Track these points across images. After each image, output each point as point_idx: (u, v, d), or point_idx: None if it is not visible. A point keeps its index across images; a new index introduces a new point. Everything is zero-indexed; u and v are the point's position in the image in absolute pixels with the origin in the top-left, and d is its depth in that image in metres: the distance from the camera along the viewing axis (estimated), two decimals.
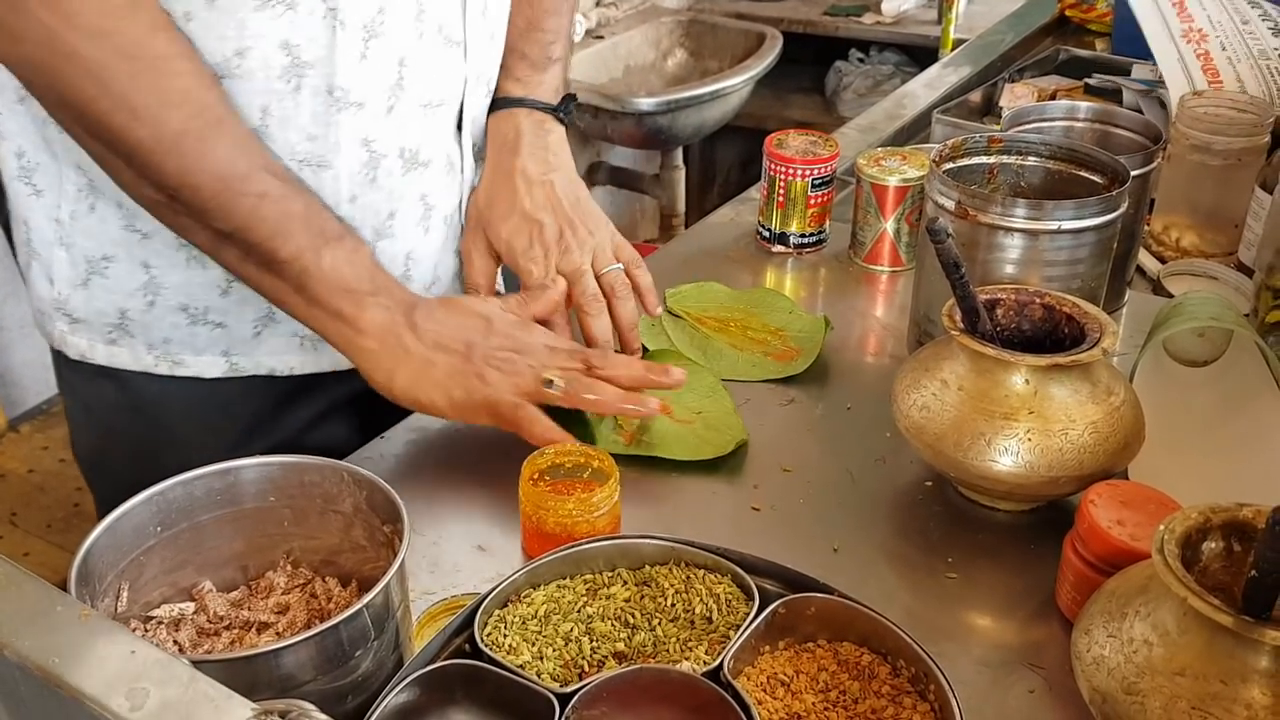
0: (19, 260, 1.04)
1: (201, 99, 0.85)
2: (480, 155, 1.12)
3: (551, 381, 0.93)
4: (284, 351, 1.04)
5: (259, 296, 0.96)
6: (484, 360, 0.94)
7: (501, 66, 1.12)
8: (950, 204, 1.01)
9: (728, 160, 3.71)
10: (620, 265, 1.10)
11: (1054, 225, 0.98)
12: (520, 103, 1.12)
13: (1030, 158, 1.10)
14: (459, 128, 1.07)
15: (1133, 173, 1.04)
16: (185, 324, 1.00)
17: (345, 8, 0.90)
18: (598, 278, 1.07)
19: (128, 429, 1.06)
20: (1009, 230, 0.99)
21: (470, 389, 0.93)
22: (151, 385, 1.03)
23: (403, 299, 0.95)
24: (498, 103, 1.12)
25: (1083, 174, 1.07)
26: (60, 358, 1.05)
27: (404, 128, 0.99)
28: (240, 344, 1.02)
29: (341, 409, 1.09)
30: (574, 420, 1.02)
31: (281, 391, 1.05)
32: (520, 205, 1.08)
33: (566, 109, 1.15)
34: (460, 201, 1.10)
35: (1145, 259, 1.33)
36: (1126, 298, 1.23)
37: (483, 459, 1.02)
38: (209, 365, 1.03)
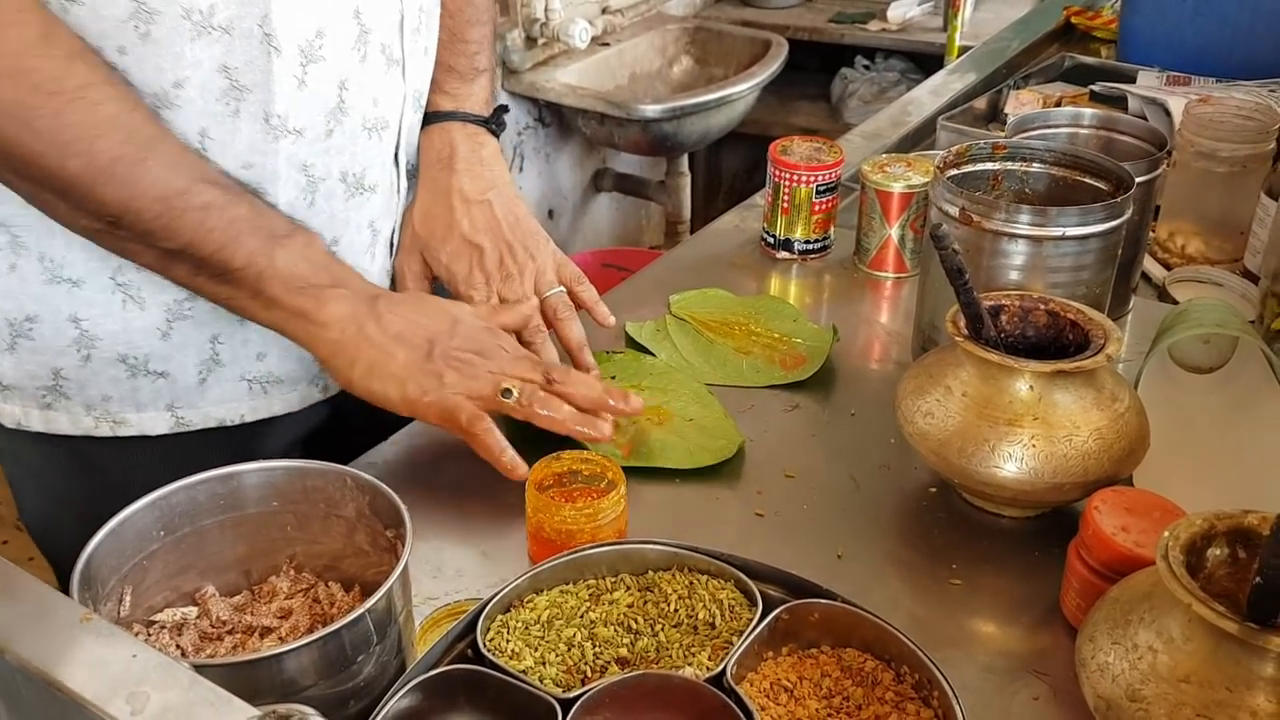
0: None
1: (129, 122, 0.82)
2: (413, 173, 1.10)
3: (509, 391, 0.91)
4: (231, 399, 0.99)
5: (201, 341, 0.94)
6: (444, 359, 0.91)
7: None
8: (954, 210, 1.01)
9: (733, 167, 3.71)
10: (561, 288, 1.08)
11: (1058, 231, 0.97)
12: (452, 116, 1.10)
13: (1035, 164, 1.09)
14: (397, 148, 1.04)
15: (1138, 179, 1.04)
16: (125, 377, 0.95)
17: (280, 34, 0.87)
18: (541, 301, 1.07)
19: (77, 493, 1.00)
20: (1013, 236, 0.98)
21: (426, 387, 0.90)
22: (95, 448, 0.97)
23: (363, 289, 0.92)
24: (429, 118, 1.10)
25: (1087, 180, 1.07)
26: None
27: (344, 151, 0.96)
28: (185, 394, 0.97)
29: (298, 451, 1.06)
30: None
31: (237, 442, 1.00)
32: (459, 228, 1.06)
33: (498, 120, 1.13)
34: (396, 223, 1.08)
35: (1151, 265, 1.33)
36: (1132, 304, 1.23)
37: (487, 464, 1.02)
38: (153, 422, 0.97)
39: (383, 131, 1.00)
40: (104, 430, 0.97)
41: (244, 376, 0.98)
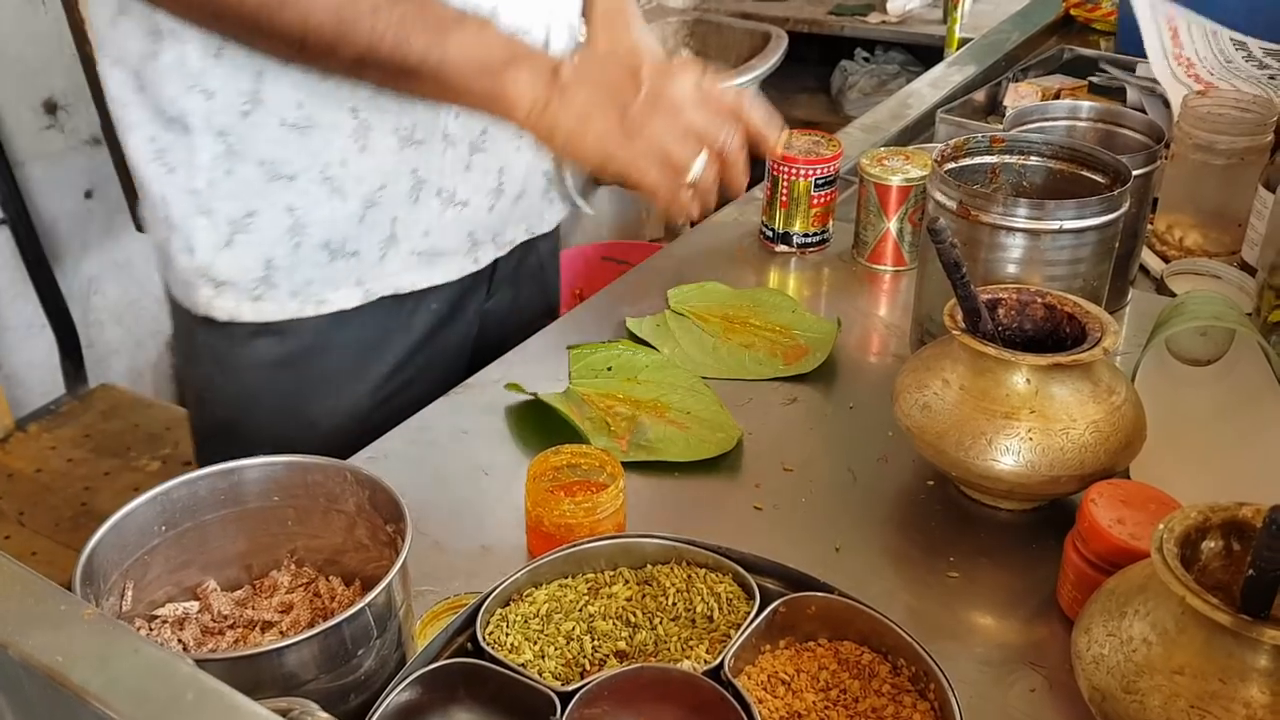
0: (156, 239, 1.09)
1: None
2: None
3: (695, 165, 0.95)
4: (404, 271, 1.11)
5: (384, 222, 1.06)
6: (634, 125, 0.94)
7: None
8: (952, 204, 1.01)
9: None
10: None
11: (1055, 225, 0.98)
12: None
13: (1032, 157, 1.10)
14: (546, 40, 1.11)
15: (1135, 172, 1.04)
16: (325, 261, 1.06)
17: None
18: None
19: (272, 385, 1.12)
20: (1010, 230, 0.99)
21: (622, 156, 0.95)
22: (295, 333, 1.09)
23: (544, 64, 0.95)
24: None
25: (1085, 174, 1.07)
26: (194, 333, 1.11)
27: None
28: (369, 269, 1.09)
29: (456, 315, 1.20)
30: (568, 429, 1.02)
31: (408, 309, 1.14)
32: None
33: None
34: None
35: (1148, 258, 1.33)
36: (1129, 297, 1.23)
37: (487, 458, 1.02)
38: (347, 297, 1.09)
39: (527, 36, 1.06)
40: (308, 311, 1.08)
41: (413, 250, 1.10)
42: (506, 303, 1.27)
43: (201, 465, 1.15)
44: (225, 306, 1.07)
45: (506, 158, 1.12)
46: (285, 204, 1.03)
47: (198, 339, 1.12)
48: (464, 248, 1.15)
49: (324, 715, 0.53)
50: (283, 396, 1.12)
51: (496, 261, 1.21)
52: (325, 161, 1.02)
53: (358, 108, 1.01)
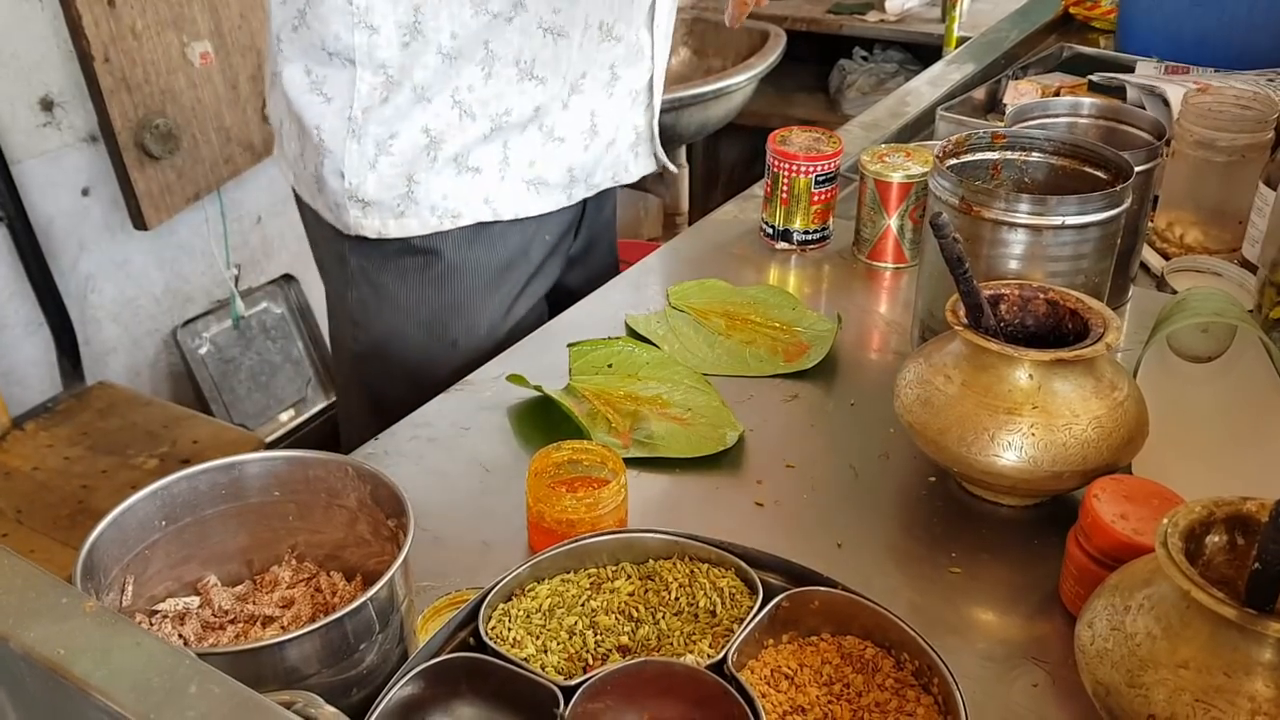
0: (306, 169, 1.23)
1: None
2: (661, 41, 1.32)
3: None
4: (518, 195, 1.25)
5: (498, 145, 1.21)
6: None
7: None
8: (954, 199, 1.01)
9: (731, 159, 3.70)
10: None
11: (1058, 221, 0.97)
12: None
13: (1034, 153, 1.10)
14: (651, 19, 1.27)
15: (1136, 169, 1.04)
16: (453, 176, 1.20)
17: None
18: None
19: (420, 303, 1.26)
20: (1013, 225, 0.98)
21: None
22: (438, 248, 1.24)
23: None
24: None
25: (1086, 170, 1.07)
26: (346, 260, 1.25)
27: (606, 5, 1.21)
28: (492, 189, 1.23)
29: (558, 251, 1.35)
30: (569, 425, 1.02)
31: (527, 236, 1.28)
32: None
33: None
34: (649, 82, 1.31)
35: (1149, 255, 1.33)
36: (1130, 294, 1.23)
37: (488, 454, 1.02)
38: (478, 212, 1.23)
39: None
40: (446, 224, 1.22)
41: (523, 178, 1.25)
42: (582, 251, 1.42)
43: (349, 396, 1.38)
44: (373, 225, 1.21)
45: (598, 103, 1.26)
46: (422, 124, 1.17)
47: (350, 264, 1.26)
48: (562, 182, 1.28)
49: (328, 708, 0.53)
50: (431, 313, 1.27)
51: (585, 206, 1.36)
52: (456, 85, 1.16)
53: (489, 40, 1.15)
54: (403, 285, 1.26)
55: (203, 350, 2.30)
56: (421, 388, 1.14)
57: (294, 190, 1.33)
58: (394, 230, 1.22)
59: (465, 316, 1.28)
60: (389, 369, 1.30)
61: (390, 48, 1.14)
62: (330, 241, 1.27)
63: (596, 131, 1.28)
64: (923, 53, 3.18)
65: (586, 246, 1.43)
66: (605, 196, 1.42)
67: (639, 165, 1.36)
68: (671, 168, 1.41)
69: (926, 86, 1.88)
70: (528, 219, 1.27)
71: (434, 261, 1.25)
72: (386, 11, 1.13)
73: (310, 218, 1.31)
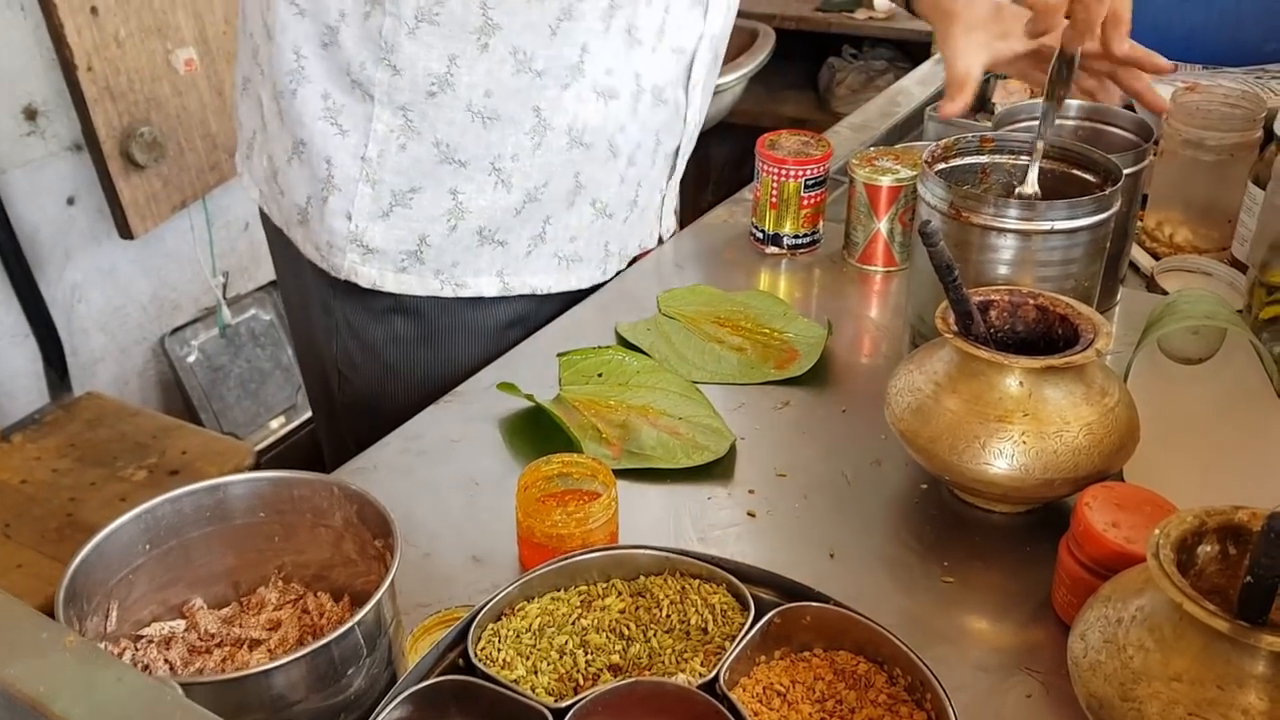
0: (309, 197, 1.13)
1: None
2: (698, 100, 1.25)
3: None
4: (545, 271, 1.19)
5: (538, 220, 1.14)
6: None
7: None
8: (943, 205, 1.00)
9: (721, 158, 3.70)
10: None
11: (1047, 226, 0.97)
12: None
13: (1023, 157, 1.09)
14: (688, 77, 1.20)
15: (1125, 171, 1.03)
16: (475, 246, 1.14)
17: None
18: None
19: (408, 362, 1.20)
20: (1002, 231, 0.98)
21: None
22: (432, 310, 1.17)
23: None
24: None
25: (1075, 173, 1.07)
26: (331, 308, 1.18)
27: (659, 67, 1.14)
28: (513, 263, 1.16)
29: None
30: (559, 437, 1.02)
31: (536, 302, 1.21)
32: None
33: None
34: (679, 146, 1.25)
35: (1139, 255, 1.32)
36: (1120, 295, 1.23)
37: (478, 467, 1.01)
38: (486, 285, 1.16)
39: (680, 55, 1.17)
40: (447, 292, 1.15)
41: (557, 253, 1.18)
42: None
43: (336, 439, 1.30)
44: (369, 274, 1.13)
45: (645, 172, 1.21)
46: (450, 187, 1.10)
47: (336, 315, 1.19)
48: (599, 256, 1.23)
49: None
50: (423, 374, 1.20)
51: None
52: (498, 154, 1.09)
53: (540, 106, 1.08)
54: (393, 345, 1.19)
55: (191, 358, 2.30)
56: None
57: (262, 210, 1.24)
58: (390, 285, 1.14)
59: (460, 376, 1.18)
60: (375, 421, 1.17)
61: (415, 92, 1.06)
62: (312, 285, 1.19)
63: (637, 203, 1.23)
64: (912, 49, 3.18)
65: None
66: None
67: (657, 228, 1.32)
68: (667, 232, 1.35)
69: (916, 85, 1.88)
70: (548, 295, 1.20)
71: (428, 323, 1.18)
72: (415, 55, 1.04)
73: (281, 248, 1.23)
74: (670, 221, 1.33)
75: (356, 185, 1.09)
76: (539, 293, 1.19)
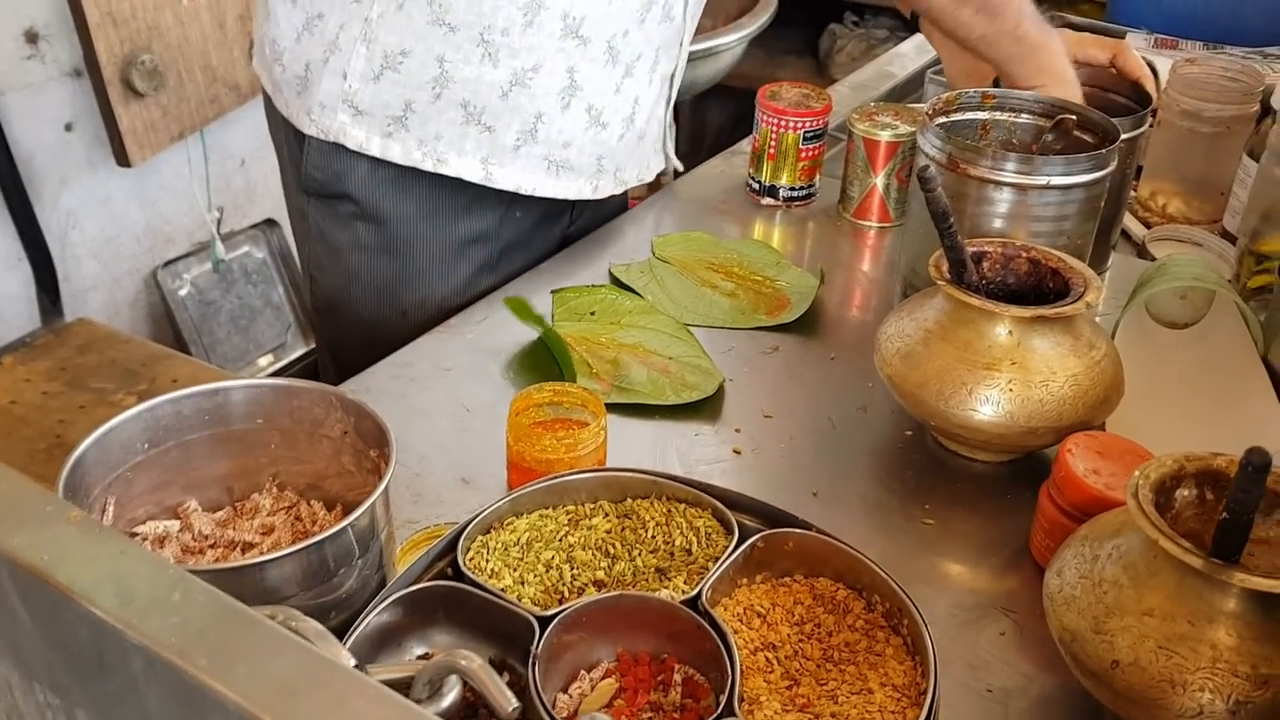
0: (309, 64, 1.13)
1: None
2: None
3: None
4: (534, 170, 1.16)
5: (529, 112, 1.11)
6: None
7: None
8: (942, 156, 1.01)
9: (718, 120, 3.69)
10: None
11: (1043, 180, 0.98)
12: None
13: (1023, 115, 1.10)
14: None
15: (1123, 135, 1.04)
16: (459, 121, 1.11)
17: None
18: None
19: (370, 270, 1.20)
20: (998, 184, 0.99)
21: None
22: (395, 219, 1.16)
23: None
24: None
25: (1074, 132, 1.08)
26: (305, 213, 1.19)
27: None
28: (500, 154, 1.13)
29: (543, 229, 1.25)
30: (551, 368, 1.03)
31: (508, 211, 1.20)
32: None
33: None
34: (673, 72, 1.24)
35: (1131, 223, 1.34)
36: (1111, 260, 1.24)
37: (469, 395, 1.02)
38: (469, 169, 1.13)
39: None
40: (428, 165, 1.13)
41: (548, 157, 1.15)
42: (580, 233, 1.31)
43: (318, 338, 1.30)
44: (356, 136, 1.13)
45: (642, 89, 1.18)
46: (438, 54, 1.08)
47: (309, 218, 1.20)
48: (591, 170, 1.20)
49: (309, 621, 0.54)
50: (382, 282, 1.20)
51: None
52: (488, 24, 1.07)
53: None
54: (355, 249, 1.20)
55: (183, 292, 2.29)
56: (373, 348, 1.11)
57: (268, 110, 1.24)
58: (375, 149, 1.13)
59: (416, 290, 1.20)
60: (341, 326, 1.24)
61: None
62: (294, 190, 1.21)
63: (633, 121, 1.20)
64: (913, 19, 3.17)
65: (583, 233, 1.32)
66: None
67: (657, 162, 1.29)
68: (678, 166, 1.34)
69: (914, 51, 1.88)
70: (503, 192, 1.17)
71: (386, 230, 1.18)
72: None
73: (283, 144, 1.22)
74: (674, 161, 1.31)
75: (355, 44, 1.10)
76: (523, 191, 1.16)
